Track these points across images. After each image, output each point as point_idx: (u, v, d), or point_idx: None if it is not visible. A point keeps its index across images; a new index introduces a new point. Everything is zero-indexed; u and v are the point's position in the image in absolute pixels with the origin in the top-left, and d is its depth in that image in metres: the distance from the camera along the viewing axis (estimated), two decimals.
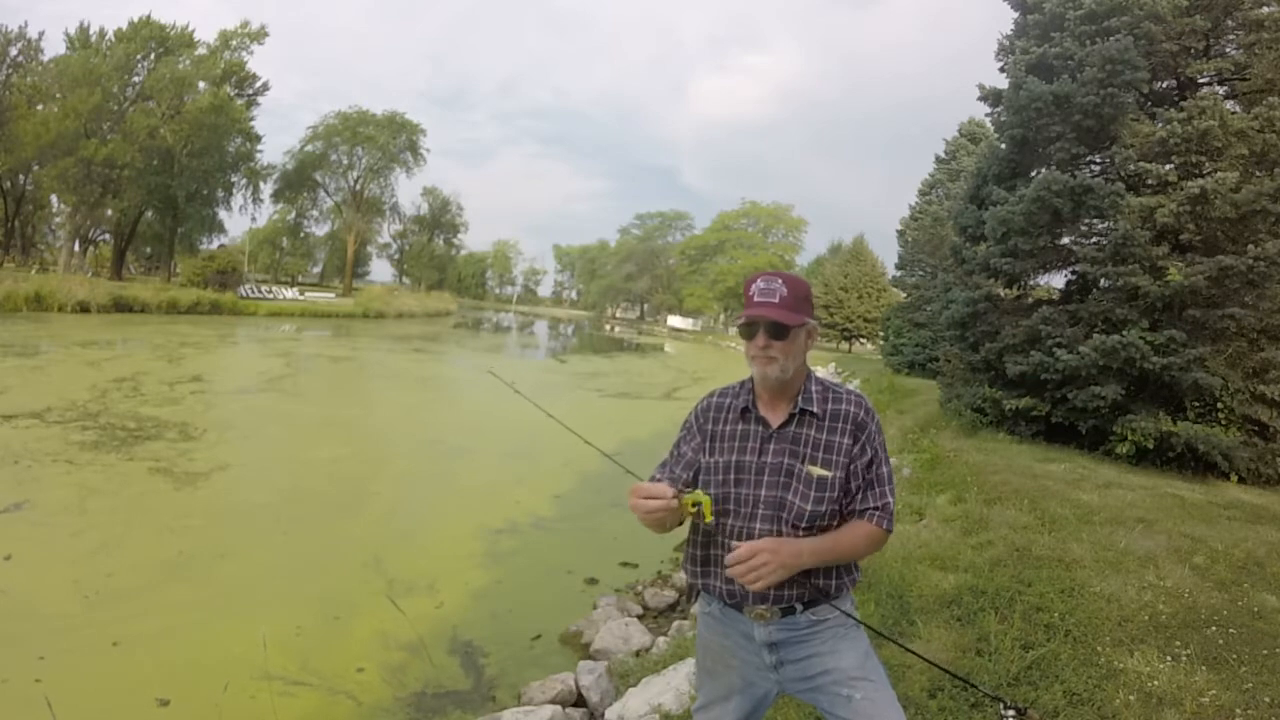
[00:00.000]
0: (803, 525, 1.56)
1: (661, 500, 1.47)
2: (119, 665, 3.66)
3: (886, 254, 45.41)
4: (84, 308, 23.46)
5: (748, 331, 1.59)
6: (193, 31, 35.43)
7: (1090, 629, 3.42)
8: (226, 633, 4.03)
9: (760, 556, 1.47)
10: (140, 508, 5.98)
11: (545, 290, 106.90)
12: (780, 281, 1.58)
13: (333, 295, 46.12)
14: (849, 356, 39.67)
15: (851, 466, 1.59)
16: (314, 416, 11.12)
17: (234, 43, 37.05)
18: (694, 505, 1.52)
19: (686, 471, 1.64)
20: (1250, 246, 7.78)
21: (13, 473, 6.42)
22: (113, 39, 33.74)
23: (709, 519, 1.54)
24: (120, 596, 4.34)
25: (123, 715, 3.31)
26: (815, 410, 1.61)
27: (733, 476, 1.61)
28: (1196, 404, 8.31)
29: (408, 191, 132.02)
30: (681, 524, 1.60)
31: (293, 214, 57.27)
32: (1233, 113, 8.30)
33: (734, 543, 1.53)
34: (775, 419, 1.61)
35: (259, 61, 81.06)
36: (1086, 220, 9.42)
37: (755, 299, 1.58)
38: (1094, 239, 9.57)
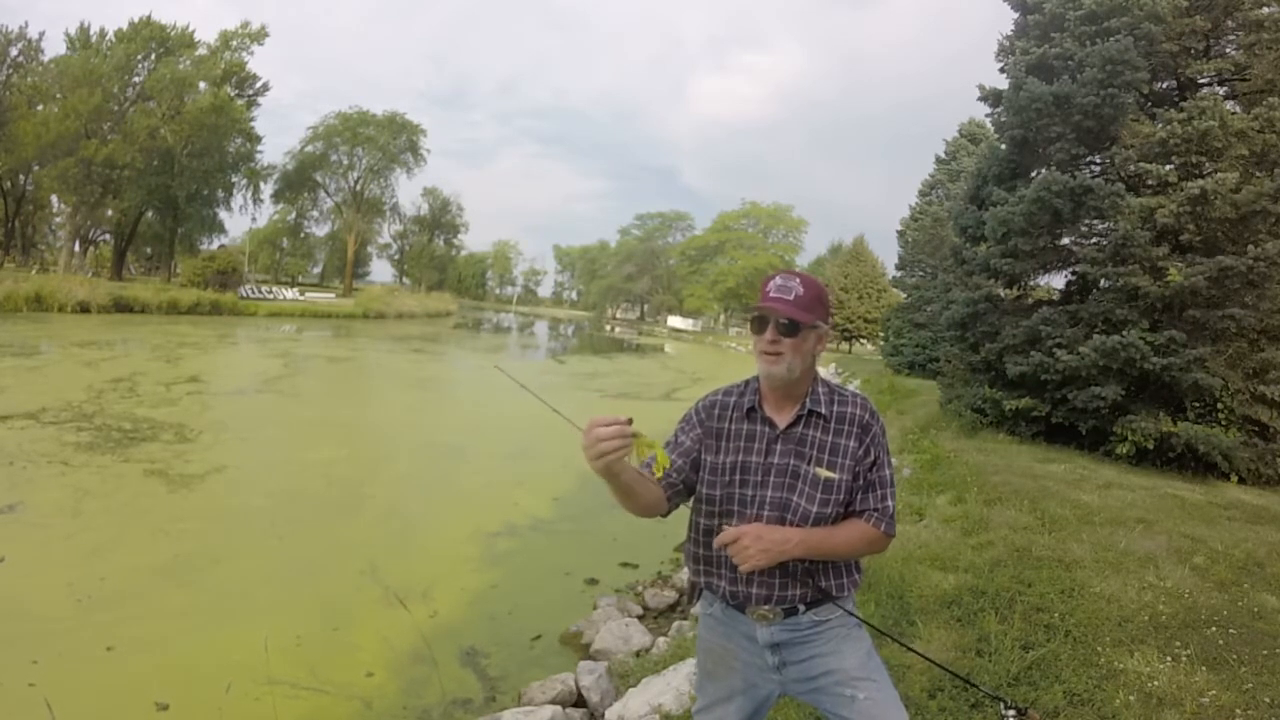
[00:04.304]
0: (807, 527, 1.55)
1: (616, 427, 1.28)
2: (115, 669, 3.63)
3: (887, 254, 45.44)
4: (84, 308, 23.45)
5: (758, 325, 1.57)
6: (193, 32, 35.50)
7: (1090, 629, 3.41)
8: (223, 638, 4.00)
9: (743, 540, 1.47)
10: (135, 510, 5.95)
11: (545, 291, 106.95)
12: (798, 280, 1.57)
13: (333, 296, 46.11)
14: (849, 357, 39.67)
15: (857, 469, 1.58)
16: (311, 418, 11.10)
17: (234, 43, 37.07)
18: (649, 451, 1.36)
19: (683, 459, 1.62)
20: (1250, 247, 7.78)
21: (7, 474, 6.39)
22: (113, 39, 33.76)
23: (659, 474, 1.47)
24: (114, 600, 4.32)
25: (121, 718, 3.29)
26: (823, 412, 1.60)
27: (738, 477, 1.60)
28: (1197, 404, 8.30)
29: (408, 192, 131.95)
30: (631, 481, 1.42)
31: (293, 214, 57.25)
32: (1233, 113, 8.29)
33: (729, 525, 1.54)
34: (782, 420, 1.60)
35: (259, 62, 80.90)
36: (1086, 221, 9.42)
37: (771, 294, 1.56)
38: (1094, 239, 9.57)
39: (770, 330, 1.55)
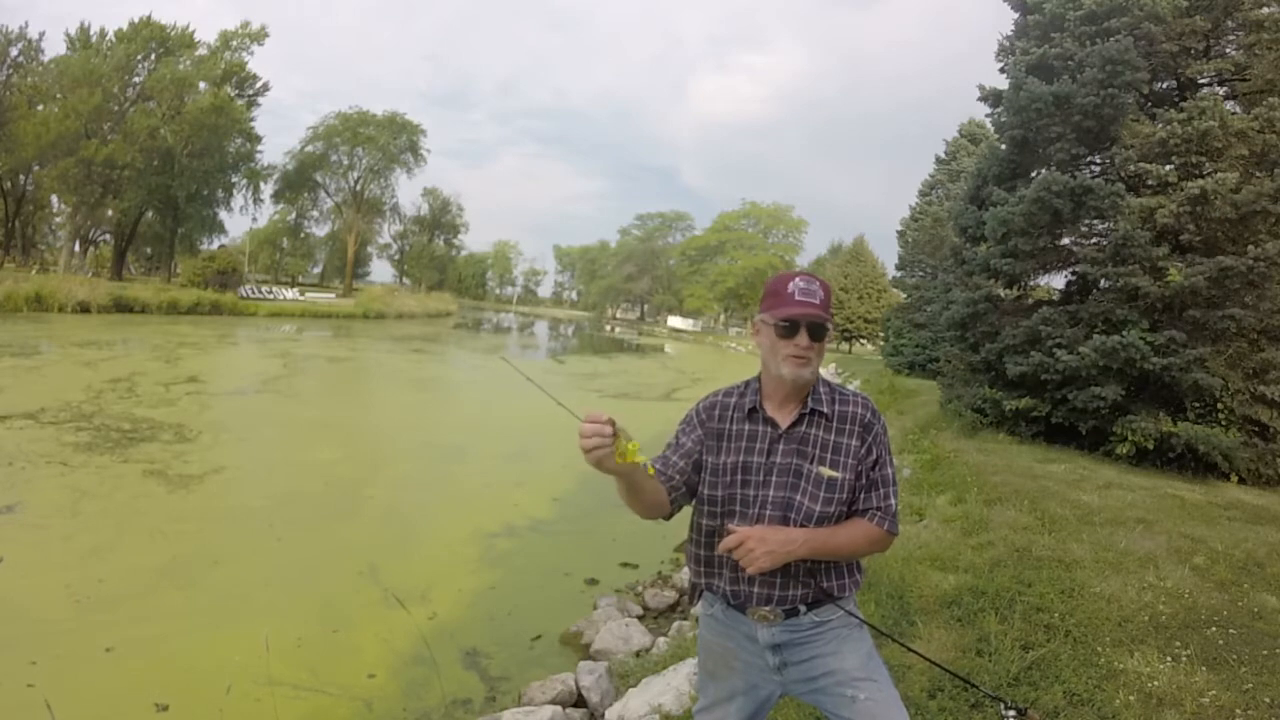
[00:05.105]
0: (810, 527, 1.55)
1: (595, 425, 1.30)
2: (113, 670, 3.63)
3: (887, 255, 45.53)
4: (84, 308, 23.44)
5: (788, 330, 1.56)
6: (193, 32, 35.54)
7: (1090, 629, 3.41)
8: (223, 639, 4.00)
9: (748, 543, 1.47)
10: (133, 511, 5.95)
11: (545, 291, 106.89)
12: (817, 283, 1.58)
13: (333, 296, 46.10)
14: (849, 357, 39.67)
15: (860, 468, 1.59)
16: (311, 418, 11.10)
17: (234, 43, 37.11)
18: (623, 453, 1.35)
19: (685, 460, 1.62)
20: (1250, 247, 7.78)
21: (6, 474, 6.39)
22: (113, 39, 33.77)
23: (649, 471, 1.46)
24: (113, 602, 4.31)
25: (121, 719, 3.28)
26: (825, 411, 1.60)
27: (739, 477, 1.60)
28: (1197, 404, 8.30)
29: (408, 192, 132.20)
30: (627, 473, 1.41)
31: (293, 214, 57.24)
32: (1233, 113, 8.30)
33: (731, 525, 1.54)
34: (784, 420, 1.60)
35: (259, 62, 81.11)
36: (1086, 221, 9.42)
37: (796, 297, 1.55)
38: (1094, 239, 9.57)
39: (803, 336, 1.55)
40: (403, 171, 55.92)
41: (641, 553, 6.10)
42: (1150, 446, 8.24)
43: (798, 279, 1.59)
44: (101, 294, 24.90)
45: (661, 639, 4.29)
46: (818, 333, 1.56)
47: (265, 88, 39.62)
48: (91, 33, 33.98)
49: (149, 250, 45.05)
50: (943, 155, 29.97)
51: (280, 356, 18.35)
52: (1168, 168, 8.71)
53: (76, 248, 37.22)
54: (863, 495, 1.59)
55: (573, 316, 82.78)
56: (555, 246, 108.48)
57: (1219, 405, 8.13)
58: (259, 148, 41.39)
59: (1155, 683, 2.92)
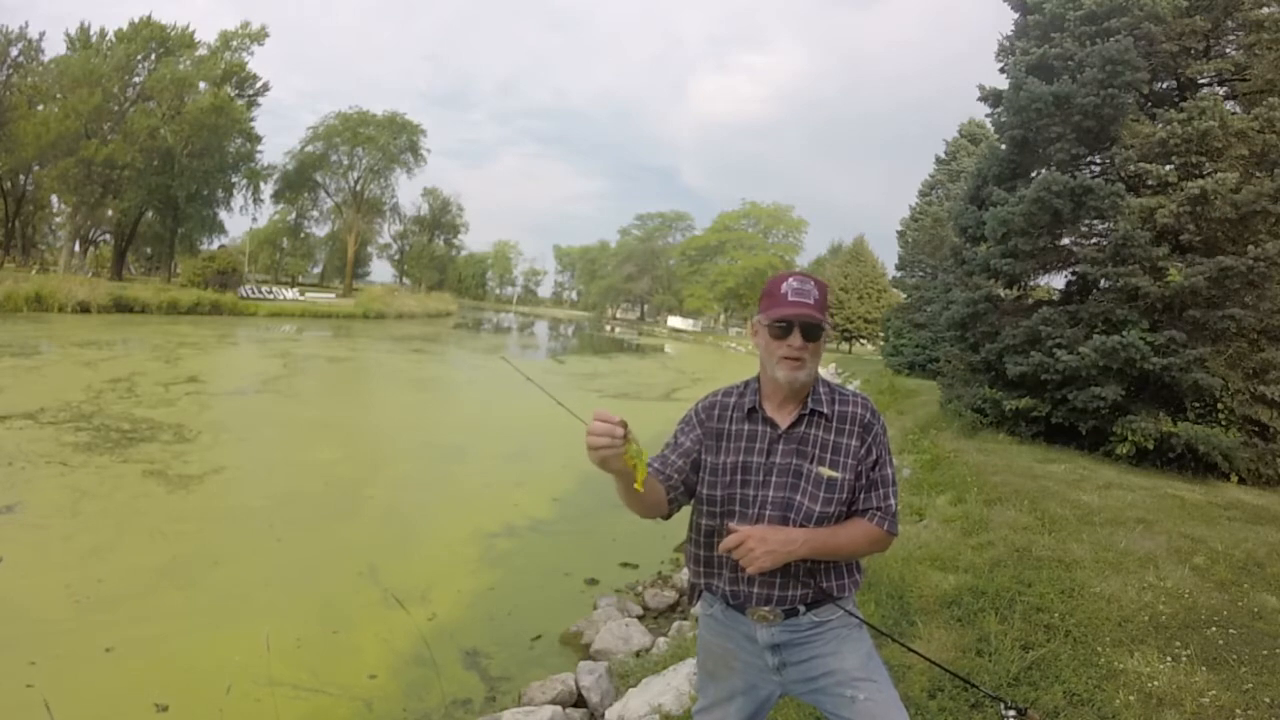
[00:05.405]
0: (810, 527, 1.55)
1: (608, 426, 1.29)
2: (113, 670, 3.63)
3: (887, 255, 45.56)
4: (84, 308, 23.44)
5: (782, 331, 1.55)
6: (193, 32, 35.55)
7: (1090, 629, 3.41)
8: (223, 639, 4.00)
9: (749, 543, 1.47)
10: (133, 511, 5.94)
11: (545, 291, 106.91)
12: (812, 283, 1.56)
13: (333, 296, 46.10)
14: (849, 357, 39.68)
15: (860, 468, 1.58)
16: (311, 418, 11.10)
17: (234, 43, 37.13)
18: (634, 458, 1.34)
19: (684, 460, 1.62)
20: (1250, 247, 7.78)
21: (5, 474, 6.39)
22: (113, 39, 33.79)
23: (638, 485, 1.37)
24: (112, 602, 4.31)
25: (120, 719, 3.28)
26: (825, 411, 1.59)
27: (739, 477, 1.59)
28: (1197, 405, 8.30)
29: (408, 192, 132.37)
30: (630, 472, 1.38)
31: (293, 214, 57.25)
32: (1233, 113, 8.30)
33: (731, 525, 1.54)
34: (783, 420, 1.60)
35: (259, 62, 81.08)
36: (1087, 221, 9.42)
37: (789, 298, 1.54)
38: (1094, 239, 9.57)
39: (796, 336, 1.54)
40: (403, 171, 56.02)
41: (641, 553, 6.10)
42: (1150, 446, 8.24)
43: (792, 279, 1.57)
44: (101, 294, 24.89)
45: (661, 639, 4.29)
46: (812, 333, 1.54)
47: (265, 88, 39.67)
48: (91, 33, 33.99)
49: (149, 250, 45.04)
50: (943, 155, 29.97)
51: (280, 356, 18.35)
52: (1168, 168, 8.71)
53: (76, 248, 37.22)
54: (862, 495, 1.59)
55: (573, 316, 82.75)
56: (555, 246, 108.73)
57: (1219, 405, 8.13)
58: (259, 148, 41.46)
59: (1155, 683, 2.92)
